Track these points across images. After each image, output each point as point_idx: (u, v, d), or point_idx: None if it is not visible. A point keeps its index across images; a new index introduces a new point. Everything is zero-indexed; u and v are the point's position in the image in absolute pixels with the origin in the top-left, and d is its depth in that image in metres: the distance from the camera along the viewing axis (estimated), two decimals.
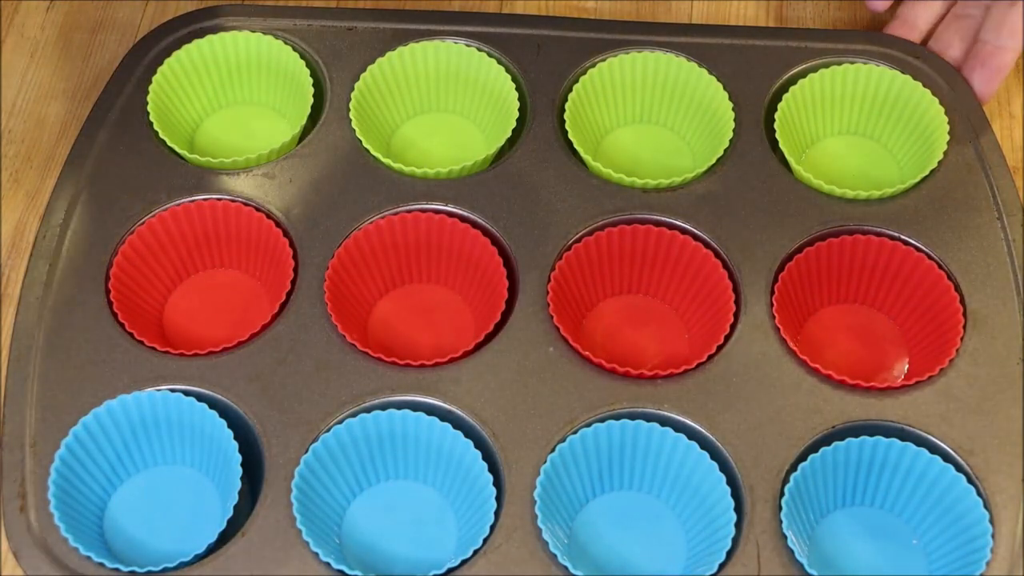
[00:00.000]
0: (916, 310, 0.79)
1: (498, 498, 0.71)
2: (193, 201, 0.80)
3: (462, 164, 0.81)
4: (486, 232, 0.79)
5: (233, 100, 0.88)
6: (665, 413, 0.74)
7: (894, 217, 0.80)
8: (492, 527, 0.70)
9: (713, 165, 0.82)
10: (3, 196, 0.86)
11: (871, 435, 0.72)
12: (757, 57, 0.86)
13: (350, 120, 0.83)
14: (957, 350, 0.75)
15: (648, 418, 0.73)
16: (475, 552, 0.69)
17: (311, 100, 0.84)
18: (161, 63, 0.85)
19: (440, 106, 0.88)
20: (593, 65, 0.85)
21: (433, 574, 0.69)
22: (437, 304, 0.81)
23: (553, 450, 0.72)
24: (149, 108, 0.83)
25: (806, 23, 0.93)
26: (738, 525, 0.70)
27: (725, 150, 0.82)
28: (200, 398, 0.73)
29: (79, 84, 0.91)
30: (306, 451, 0.72)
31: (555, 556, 0.69)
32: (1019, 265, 0.78)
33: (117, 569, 0.69)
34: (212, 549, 0.70)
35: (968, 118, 0.84)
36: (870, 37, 0.87)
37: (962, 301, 0.77)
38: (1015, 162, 0.85)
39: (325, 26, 0.88)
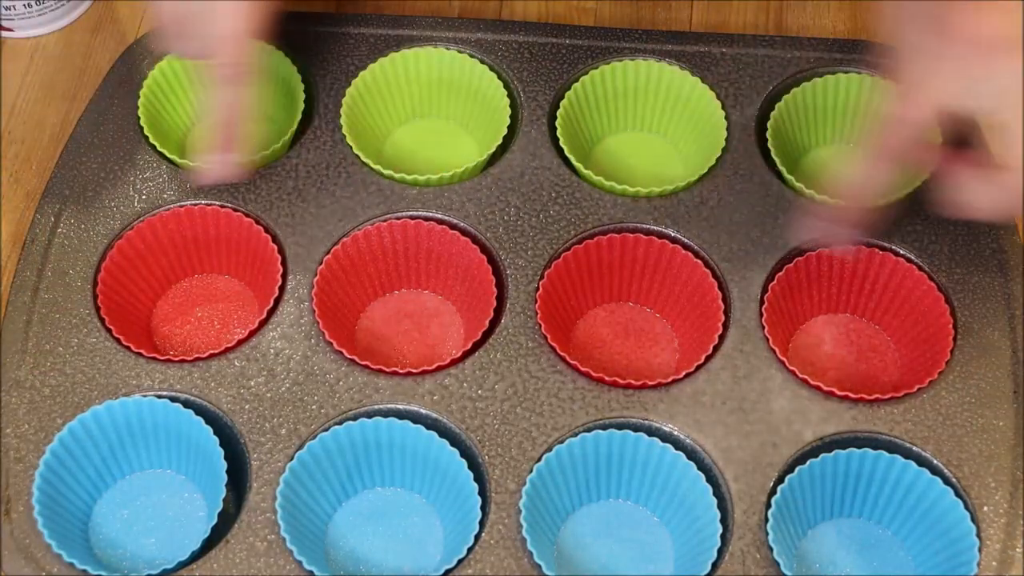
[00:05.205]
0: (906, 321, 0.78)
1: (483, 507, 0.70)
2: (182, 206, 0.80)
3: (453, 171, 0.81)
4: (476, 239, 0.79)
5: None
6: (653, 423, 0.73)
7: (885, 227, 0.79)
8: (477, 536, 0.70)
9: (705, 174, 0.81)
10: (3, 196, 0.86)
11: (859, 447, 0.71)
12: (750, 66, 0.86)
13: (341, 126, 0.83)
14: (947, 362, 0.75)
15: (636, 428, 0.73)
16: (459, 561, 0.69)
17: (302, 106, 0.84)
18: (152, 68, 0.85)
19: (432, 112, 0.87)
20: (585, 73, 0.85)
21: None
22: (426, 311, 0.80)
23: (540, 459, 0.71)
24: (140, 113, 0.83)
25: (807, 27, 0.93)
26: (724, 536, 0.70)
27: (717, 159, 0.82)
28: (187, 404, 0.73)
29: (79, 84, 0.91)
30: (291, 458, 0.72)
31: (540, 566, 0.68)
32: (1010, 277, 0.78)
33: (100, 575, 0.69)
34: (196, 556, 0.70)
35: (960, 128, 0.83)
36: (863, 47, 0.87)
37: (952, 313, 0.76)
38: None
39: (317, 31, 0.87)
